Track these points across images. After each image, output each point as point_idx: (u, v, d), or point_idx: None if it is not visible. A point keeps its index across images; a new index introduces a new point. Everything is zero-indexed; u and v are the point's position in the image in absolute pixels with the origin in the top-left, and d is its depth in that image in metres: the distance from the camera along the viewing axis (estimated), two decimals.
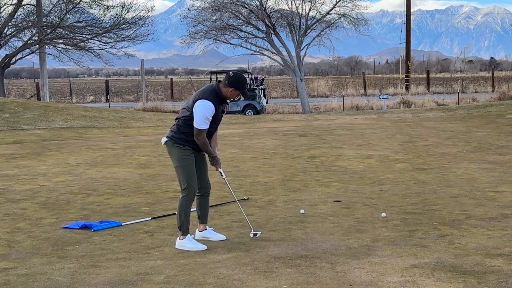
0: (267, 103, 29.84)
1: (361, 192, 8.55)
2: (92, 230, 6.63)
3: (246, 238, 6.21)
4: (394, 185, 8.96)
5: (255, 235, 6.14)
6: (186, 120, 5.87)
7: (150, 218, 7.21)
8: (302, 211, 7.34)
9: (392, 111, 25.53)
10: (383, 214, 7.09)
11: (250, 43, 30.86)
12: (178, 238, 5.99)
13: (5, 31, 29.44)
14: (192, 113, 5.79)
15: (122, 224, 6.90)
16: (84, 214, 7.48)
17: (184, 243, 5.91)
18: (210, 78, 29.79)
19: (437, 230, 6.35)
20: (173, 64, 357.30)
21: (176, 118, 6.04)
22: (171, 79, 57.12)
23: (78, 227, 6.74)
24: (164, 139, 6.02)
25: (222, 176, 6.18)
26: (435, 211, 7.21)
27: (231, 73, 5.88)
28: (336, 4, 30.73)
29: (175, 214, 7.24)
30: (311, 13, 31.08)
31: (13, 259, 5.69)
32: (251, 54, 31.38)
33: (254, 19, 30.33)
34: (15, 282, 4.97)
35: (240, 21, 30.65)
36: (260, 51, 31.03)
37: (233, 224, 6.84)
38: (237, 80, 5.80)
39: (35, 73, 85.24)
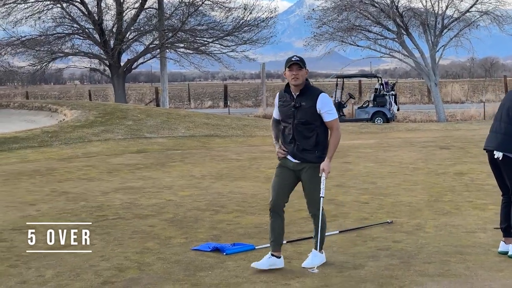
0: (398, 110, 28.89)
1: None
2: (224, 253, 6.42)
3: (398, 271, 5.74)
4: None
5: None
6: None
7: (285, 242, 6.90)
8: None
9: None
10: None
11: (379, 44, 30.11)
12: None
13: (127, 36, 30.61)
14: None
15: (256, 247, 6.65)
16: (214, 234, 7.30)
17: None
18: (337, 83, 29.32)
19: None
20: None
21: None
22: None
23: (210, 250, 6.55)
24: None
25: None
26: None
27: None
28: (477, 0, 29.33)
29: (311, 238, 6.93)
30: (448, 11, 29.90)
31: (144, 284, 5.58)
32: (380, 56, 30.59)
33: (384, 19, 29.57)
34: None
35: (369, 21, 29.99)
36: (391, 53, 30.18)
37: (380, 253, 6.39)
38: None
39: (153, 77, 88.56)
